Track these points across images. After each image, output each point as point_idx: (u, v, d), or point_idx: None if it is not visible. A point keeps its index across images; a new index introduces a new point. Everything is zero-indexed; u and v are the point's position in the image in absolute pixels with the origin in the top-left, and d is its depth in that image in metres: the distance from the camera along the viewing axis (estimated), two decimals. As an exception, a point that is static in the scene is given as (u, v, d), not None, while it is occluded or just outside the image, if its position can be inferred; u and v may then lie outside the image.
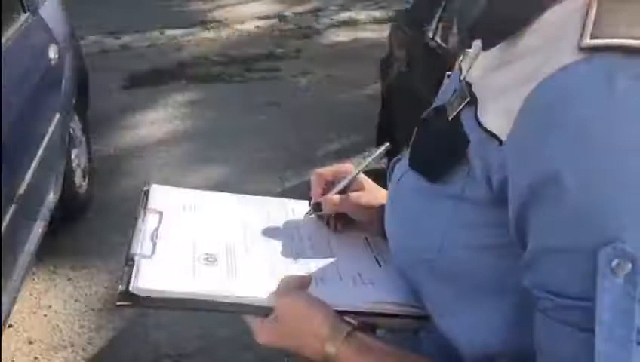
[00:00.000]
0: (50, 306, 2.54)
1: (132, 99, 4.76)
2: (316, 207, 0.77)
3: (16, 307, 2.47)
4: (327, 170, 0.79)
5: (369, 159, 0.79)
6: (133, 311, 2.49)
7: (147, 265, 0.63)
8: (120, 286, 0.61)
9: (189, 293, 0.61)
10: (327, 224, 0.78)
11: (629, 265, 0.43)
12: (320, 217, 0.78)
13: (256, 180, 3.42)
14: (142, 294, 0.60)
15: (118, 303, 0.61)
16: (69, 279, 2.70)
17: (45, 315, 2.49)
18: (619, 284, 0.44)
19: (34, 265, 2.72)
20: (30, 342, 2.35)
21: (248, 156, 3.77)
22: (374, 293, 0.65)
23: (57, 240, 2.94)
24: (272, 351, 2.30)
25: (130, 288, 0.60)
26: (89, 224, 3.10)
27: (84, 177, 3.21)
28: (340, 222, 0.78)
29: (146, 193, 0.77)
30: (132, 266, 0.63)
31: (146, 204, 0.74)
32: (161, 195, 0.77)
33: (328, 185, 0.78)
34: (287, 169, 3.63)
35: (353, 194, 0.76)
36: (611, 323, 0.44)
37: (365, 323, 0.62)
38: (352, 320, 0.60)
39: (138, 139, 4.08)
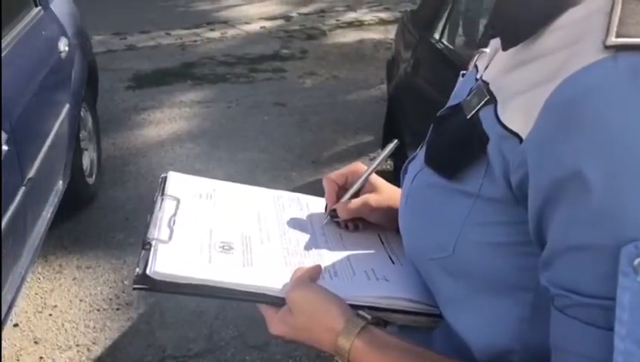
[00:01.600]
0: (56, 306, 2.54)
1: (137, 99, 4.77)
2: (333, 214, 0.77)
3: (21, 306, 2.47)
4: (339, 174, 0.78)
5: (379, 158, 0.78)
6: (137, 311, 2.49)
7: (164, 250, 0.64)
8: (137, 270, 0.62)
9: (204, 280, 0.62)
10: (346, 227, 0.78)
11: None
12: (337, 224, 0.78)
13: (262, 181, 3.42)
14: (158, 278, 0.61)
15: (135, 286, 0.62)
16: (74, 279, 2.70)
17: (50, 315, 2.50)
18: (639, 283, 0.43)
19: (40, 258, 2.73)
20: (35, 342, 2.36)
21: (254, 156, 3.77)
22: (388, 289, 0.65)
23: (63, 239, 2.95)
24: (277, 353, 2.29)
25: (148, 272, 0.61)
26: (94, 223, 3.10)
27: (92, 168, 3.32)
28: (356, 222, 0.78)
29: (164, 180, 0.77)
30: (149, 250, 0.64)
31: (164, 190, 0.75)
32: (178, 183, 0.77)
33: (341, 189, 0.77)
34: (293, 170, 3.62)
35: (366, 197, 0.76)
36: (631, 322, 0.43)
37: (378, 318, 0.62)
38: (367, 315, 0.60)
39: (143, 139, 4.09)
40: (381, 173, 0.80)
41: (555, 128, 0.46)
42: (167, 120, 4.41)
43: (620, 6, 0.46)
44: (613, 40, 0.44)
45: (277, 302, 0.63)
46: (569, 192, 0.45)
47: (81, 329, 2.42)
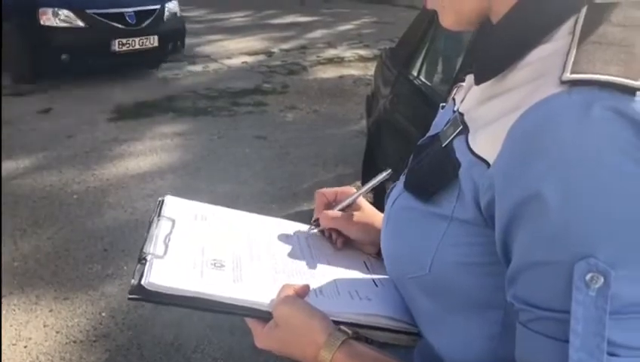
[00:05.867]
0: (31, 338, 2.50)
1: (118, 131, 4.78)
2: (316, 223, 0.83)
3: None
4: (330, 191, 0.84)
5: (371, 183, 0.84)
6: (115, 343, 2.46)
7: (159, 263, 0.68)
8: (133, 281, 0.65)
9: (196, 292, 0.65)
10: (330, 237, 0.83)
11: (602, 279, 0.46)
12: (322, 233, 0.84)
13: (242, 213, 3.42)
14: (152, 289, 0.64)
15: (130, 296, 0.65)
16: (51, 310, 2.66)
17: (25, 347, 2.45)
18: (591, 297, 0.47)
19: (17, 289, 2.68)
20: (9, 375, 2.31)
21: (234, 189, 3.79)
22: (370, 307, 0.68)
23: (40, 270, 2.92)
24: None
25: (143, 283, 0.64)
26: (72, 254, 3.07)
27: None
28: (339, 238, 0.83)
29: (161, 203, 0.82)
30: (145, 264, 0.67)
31: (160, 211, 0.79)
32: (174, 205, 0.82)
33: (330, 205, 0.84)
34: (274, 202, 3.65)
35: (348, 213, 0.82)
36: (584, 333, 0.47)
37: (359, 333, 0.65)
38: (348, 330, 0.63)
39: (124, 171, 4.09)
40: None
41: (517, 154, 0.51)
42: (148, 152, 4.42)
43: (575, 47, 0.52)
44: (567, 76, 0.50)
45: (264, 316, 0.66)
46: (529, 213, 0.50)
47: (57, 361, 2.38)
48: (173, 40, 6.47)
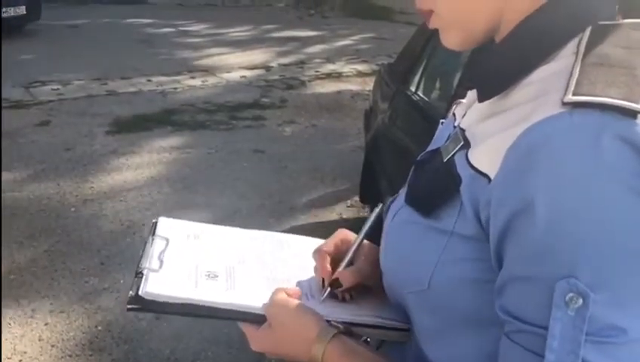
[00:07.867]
0: (26, 352, 2.48)
1: (116, 144, 4.79)
2: (334, 283, 0.73)
3: (-10, 352, 2.41)
4: (329, 246, 0.77)
5: (367, 224, 0.78)
6: (111, 357, 2.45)
7: (155, 276, 0.72)
8: (130, 292, 0.69)
9: (191, 299, 0.69)
10: (343, 299, 0.74)
11: (580, 301, 0.48)
12: (335, 296, 0.74)
13: (240, 226, 3.42)
14: (149, 298, 0.68)
15: (129, 306, 0.68)
16: (47, 324, 2.65)
17: (21, 361, 2.43)
18: (570, 316, 0.48)
19: (12, 302, 2.67)
20: (3, 389, 2.29)
21: (232, 202, 3.79)
22: (360, 307, 0.72)
23: (36, 283, 2.91)
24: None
25: (140, 293, 0.68)
26: (69, 267, 3.06)
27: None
28: (351, 292, 0.75)
29: (155, 224, 0.85)
30: (141, 277, 0.71)
31: (154, 231, 0.82)
32: (168, 225, 0.85)
33: (333, 260, 0.75)
34: (271, 216, 3.65)
35: (358, 266, 0.74)
36: (559, 350, 0.48)
37: (349, 328, 0.66)
38: (339, 324, 0.65)
39: (121, 183, 4.09)
40: (359, 219, 0.84)
41: (514, 170, 0.52)
42: (146, 165, 4.42)
43: (578, 69, 0.53)
44: (569, 97, 0.51)
45: (258, 319, 0.69)
46: (519, 226, 0.51)
47: (52, 376, 2.37)
48: (34, 9, 9.24)
